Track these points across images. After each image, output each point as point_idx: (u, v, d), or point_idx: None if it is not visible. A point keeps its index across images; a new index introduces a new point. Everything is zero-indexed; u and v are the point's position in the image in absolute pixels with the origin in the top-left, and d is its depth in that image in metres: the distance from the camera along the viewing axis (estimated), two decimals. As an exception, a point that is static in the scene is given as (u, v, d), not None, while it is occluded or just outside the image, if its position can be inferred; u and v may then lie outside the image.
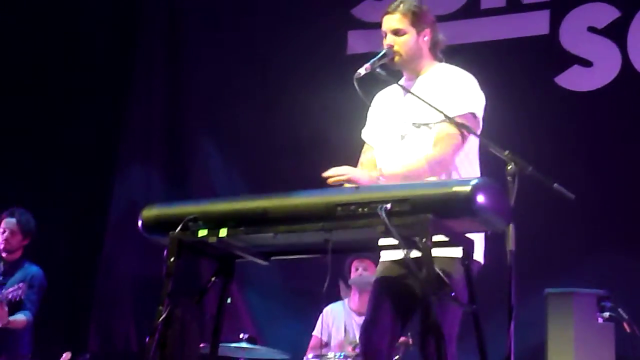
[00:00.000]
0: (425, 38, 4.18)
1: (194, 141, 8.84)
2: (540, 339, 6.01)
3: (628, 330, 5.90)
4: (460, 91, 4.07)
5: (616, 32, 7.35)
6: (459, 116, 3.99)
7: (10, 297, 6.61)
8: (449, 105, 4.00)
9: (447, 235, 3.56)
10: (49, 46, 8.79)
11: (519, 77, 7.41)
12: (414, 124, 4.06)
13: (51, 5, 8.70)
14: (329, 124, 7.53)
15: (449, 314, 3.78)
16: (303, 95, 7.83)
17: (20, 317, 6.78)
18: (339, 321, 7.04)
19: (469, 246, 3.73)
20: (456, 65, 4.22)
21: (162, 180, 8.77)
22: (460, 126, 3.96)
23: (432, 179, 3.95)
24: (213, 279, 4.00)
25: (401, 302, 4.02)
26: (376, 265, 4.28)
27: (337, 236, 3.57)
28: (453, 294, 3.67)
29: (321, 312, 7.05)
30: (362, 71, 4.01)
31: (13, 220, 7.04)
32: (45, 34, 8.74)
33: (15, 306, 6.73)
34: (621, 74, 7.28)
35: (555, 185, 3.78)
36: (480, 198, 3.38)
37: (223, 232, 3.65)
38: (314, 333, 7.11)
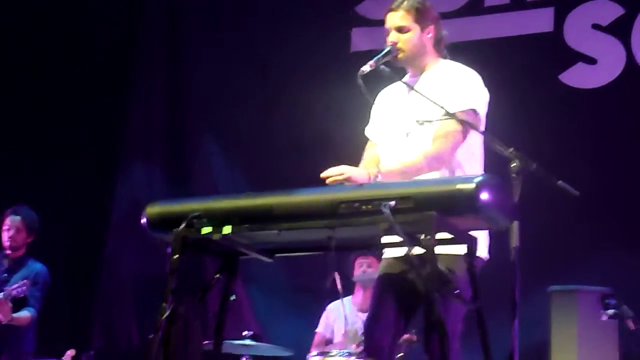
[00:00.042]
0: (429, 35, 4.18)
1: (196, 140, 8.85)
2: (544, 337, 6.01)
3: (632, 327, 5.90)
4: (461, 87, 4.07)
5: (620, 29, 7.34)
6: (460, 112, 3.98)
7: (14, 293, 6.62)
8: (450, 100, 3.99)
9: (450, 233, 3.56)
10: (49, 46, 8.79)
11: (523, 74, 7.40)
12: (417, 121, 4.06)
13: (51, 5, 8.70)
14: (332, 122, 7.53)
15: (453, 311, 3.78)
16: (306, 93, 7.83)
17: (24, 314, 6.79)
18: (343, 318, 7.03)
19: (472, 244, 3.73)
20: (460, 62, 4.21)
21: (164, 179, 8.77)
22: (460, 122, 3.95)
23: (436, 175, 3.95)
24: (217, 276, 4.00)
25: (404, 299, 4.02)
26: (380, 262, 4.28)
27: (340, 233, 3.57)
28: (456, 292, 3.66)
29: (325, 309, 7.06)
30: (366, 68, 4.00)
31: (18, 217, 7.05)
32: (45, 34, 8.73)
33: (19, 303, 6.75)
34: (625, 71, 7.28)
35: (560, 182, 3.77)
36: (484, 195, 3.38)
37: (227, 230, 3.65)
38: (317, 330, 7.12)
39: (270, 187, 3.85)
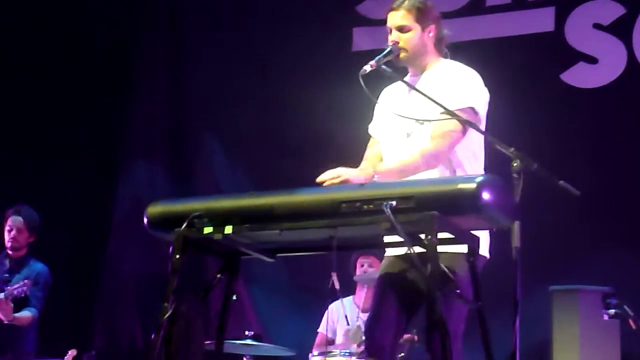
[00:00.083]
0: (430, 34, 4.18)
1: (198, 139, 8.85)
2: (545, 336, 6.00)
3: (634, 327, 5.89)
4: (460, 86, 4.07)
5: (622, 29, 7.34)
6: (458, 110, 3.97)
7: (15, 293, 6.62)
8: (449, 99, 3.98)
9: (452, 233, 3.56)
10: (49, 46, 8.79)
11: (524, 74, 7.41)
12: (418, 120, 4.06)
13: (51, 5, 8.70)
14: (333, 122, 7.53)
15: (454, 311, 3.77)
16: (308, 92, 7.83)
17: (26, 314, 6.80)
18: (344, 318, 7.03)
19: (474, 243, 3.73)
20: (461, 62, 4.21)
21: (166, 178, 8.77)
22: (459, 120, 3.95)
23: (436, 173, 3.95)
24: (218, 275, 4.00)
25: (405, 298, 4.02)
26: (381, 262, 4.28)
27: (342, 233, 3.57)
28: (458, 291, 3.66)
29: (326, 308, 7.06)
30: (367, 68, 4.00)
31: (19, 218, 7.05)
32: (45, 34, 8.73)
33: (20, 303, 6.75)
34: (627, 71, 7.28)
35: (561, 182, 3.77)
36: (486, 195, 3.38)
37: (228, 229, 3.65)
38: (319, 330, 7.12)
39: (272, 186, 3.85)
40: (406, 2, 4.14)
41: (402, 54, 4.13)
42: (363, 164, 4.19)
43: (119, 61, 8.94)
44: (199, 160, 8.81)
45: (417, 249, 3.44)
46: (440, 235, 3.43)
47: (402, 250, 3.96)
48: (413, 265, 3.60)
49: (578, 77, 7.44)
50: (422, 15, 4.14)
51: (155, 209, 3.90)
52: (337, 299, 7.12)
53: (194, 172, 8.79)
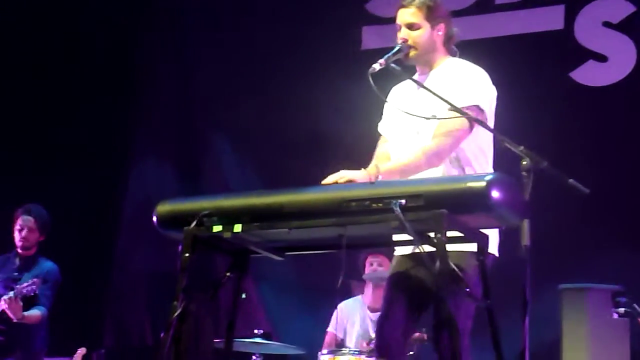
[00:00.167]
0: (440, 32, 4.17)
1: (207, 138, 8.86)
2: (555, 335, 6.00)
3: (643, 325, 5.89)
4: (466, 83, 4.05)
5: (631, 27, 7.33)
6: (464, 107, 3.96)
7: (24, 292, 6.63)
8: (455, 96, 3.97)
9: (461, 231, 3.56)
10: (49, 46, 8.79)
11: (533, 72, 7.40)
12: (426, 118, 4.05)
13: (51, 5, 8.70)
14: (342, 120, 7.53)
15: (463, 309, 3.77)
16: (317, 91, 7.83)
17: (35, 313, 6.80)
18: (354, 317, 7.03)
19: (483, 241, 3.72)
20: (470, 60, 4.21)
21: (175, 176, 8.78)
22: (466, 118, 3.93)
23: (439, 171, 3.94)
24: (228, 274, 4.00)
25: (415, 297, 4.02)
26: (390, 261, 4.28)
27: (351, 231, 3.57)
28: (467, 289, 3.66)
29: (336, 308, 7.05)
30: (376, 66, 3.98)
31: (30, 217, 7.05)
32: (45, 34, 8.73)
33: (29, 301, 6.75)
34: (636, 69, 7.27)
35: (571, 180, 3.77)
36: (495, 193, 3.38)
37: (238, 228, 3.66)
38: (328, 329, 7.11)
39: (281, 185, 3.85)
40: (416, 0, 4.14)
41: (412, 52, 4.13)
42: (373, 162, 4.18)
43: (119, 61, 8.93)
44: (207, 159, 8.82)
45: (427, 248, 3.44)
46: (450, 233, 3.43)
47: (411, 249, 3.96)
48: (422, 263, 3.60)
49: (587, 75, 7.43)
50: (431, 13, 4.13)
51: (165, 207, 3.91)
52: (347, 298, 7.14)
53: (203, 171, 8.80)
